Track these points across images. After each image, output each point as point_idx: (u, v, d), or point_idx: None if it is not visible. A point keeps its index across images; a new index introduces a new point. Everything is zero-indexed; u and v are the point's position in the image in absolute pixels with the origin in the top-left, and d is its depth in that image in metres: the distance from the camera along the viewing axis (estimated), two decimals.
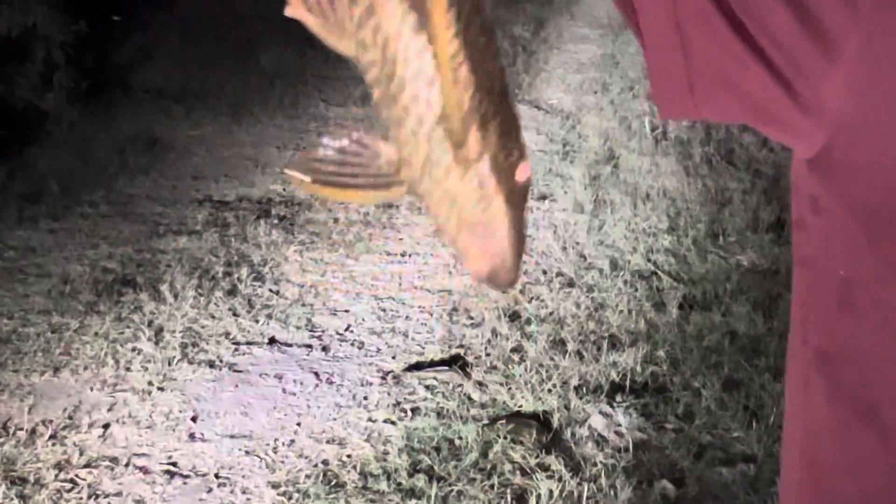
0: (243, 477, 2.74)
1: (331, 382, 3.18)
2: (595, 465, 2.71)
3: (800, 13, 0.73)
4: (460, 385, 3.12)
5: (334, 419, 2.99)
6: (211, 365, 3.28)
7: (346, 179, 0.76)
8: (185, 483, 2.73)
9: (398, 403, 3.04)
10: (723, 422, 2.86)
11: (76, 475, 2.75)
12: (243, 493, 2.68)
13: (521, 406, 2.99)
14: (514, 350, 3.29)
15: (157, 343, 3.38)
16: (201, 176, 4.94)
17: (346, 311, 3.62)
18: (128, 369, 3.25)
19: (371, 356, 3.33)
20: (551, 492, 2.60)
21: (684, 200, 4.28)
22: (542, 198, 4.47)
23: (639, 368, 3.12)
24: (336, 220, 4.34)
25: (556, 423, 2.89)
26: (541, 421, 2.92)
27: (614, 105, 5.54)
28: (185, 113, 5.77)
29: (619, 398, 2.99)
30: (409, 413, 2.99)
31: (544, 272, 3.81)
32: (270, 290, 3.76)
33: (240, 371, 3.25)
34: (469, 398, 3.05)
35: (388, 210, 4.43)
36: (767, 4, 0.74)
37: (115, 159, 5.09)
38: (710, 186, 4.38)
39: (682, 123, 5.16)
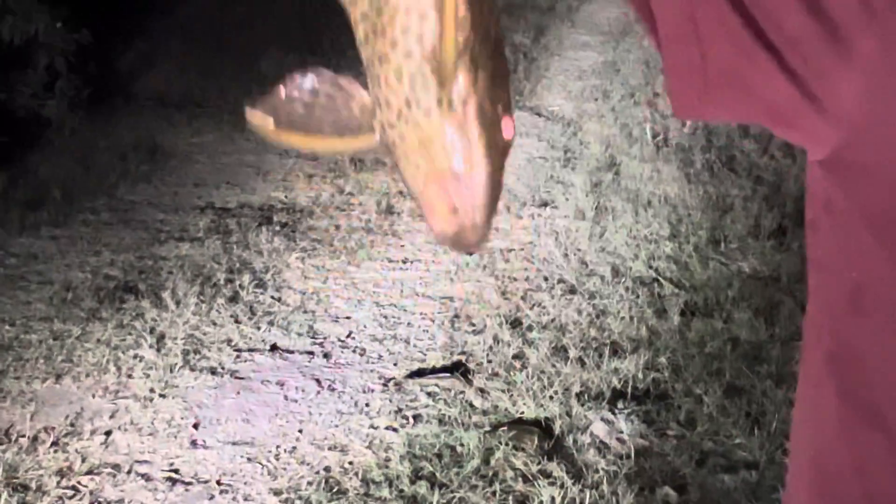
0: (245, 484, 2.74)
1: (332, 389, 3.18)
2: (597, 471, 2.70)
3: (815, 14, 0.73)
4: (462, 392, 3.12)
5: (336, 426, 2.99)
6: (213, 372, 3.28)
7: (313, 124, 0.71)
8: (186, 490, 2.73)
9: (400, 410, 3.04)
10: (725, 428, 2.85)
11: (78, 482, 2.75)
12: (245, 500, 2.68)
13: (522, 413, 2.99)
14: (515, 357, 3.29)
15: (158, 350, 3.38)
16: (203, 183, 4.95)
17: (348, 317, 3.62)
18: (129, 376, 3.25)
19: (373, 363, 3.33)
20: (553, 499, 2.60)
21: (686, 207, 4.28)
22: (544, 204, 4.48)
23: (640, 375, 3.12)
24: (338, 227, 4.34)
25: (557, 430, 2.89)
26: (542, 428, 2.92)
27: (615, 112, 5.54)
28: (186, 120, 5.78)
29: (620, 405, 2.99)
30: (411, 420, 2.99)
31: (546, 279, 3.81)
32: (272, 297, 3.76)
33: (242, 378, 3.25)
34: (471, 405, 3.05)
35: (389, 217, 4.43)
36: (783, 5, 0.74)
37: (117, 166, 5.10)
38: (711, 193, 4.38)
39: (683, 130, 5.16)
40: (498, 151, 0.69)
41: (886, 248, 0.77)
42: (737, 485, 2.65)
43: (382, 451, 2.84)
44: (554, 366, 3.20)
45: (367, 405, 3.08)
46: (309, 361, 3.34)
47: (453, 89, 0.66)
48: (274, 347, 3.42)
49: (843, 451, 0.85)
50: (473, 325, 3.52)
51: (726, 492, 2.64)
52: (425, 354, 3.35)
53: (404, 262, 4.03)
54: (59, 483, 2.74)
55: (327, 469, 2.78)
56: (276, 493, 2.69)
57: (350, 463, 2.80)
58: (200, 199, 4.74)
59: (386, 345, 3.43)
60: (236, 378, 3.25)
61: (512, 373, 3.19)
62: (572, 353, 3.26)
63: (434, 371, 3.27)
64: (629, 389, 3.06)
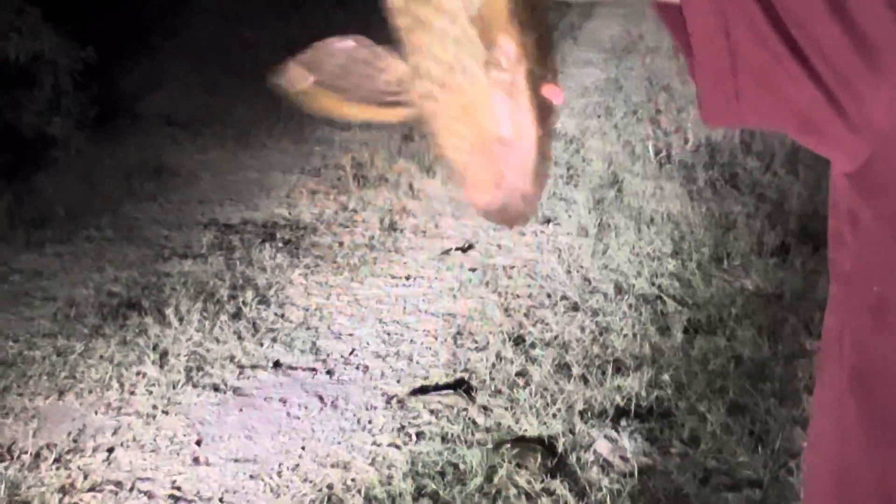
0: (247, 501, 2.73)
1: (335, 406, 3.17)
2: (600, 489, 2.69)
3: (848, 28, 0.73)
4: (465, 409, 3.11)
5: (339, 443, 2.98)
6: (215, 388, 3.28)
7: (349, 88, 0.68)
8: None
9: (403, 427, 3.03)
10: (728, 447, 2.84)
11: (80, 499, 2.74)
12: None
13: (525, 430, 2.98)
14: (518, 374, 3.28)
15: (161, 366, 3.38)
16: (207, 200, 4.96)
17: (351, 334, 3.62)
18: (132, 393, 3.25)
19: (375, 380, 3.32)
20: None
21: (688, 224, 4.28)
22: (547, 221, 4.48)
23: (644, 393, 3.11)
24: (341, 244, 4.35)
25: (560, 448, 2.88)
26: (545, 445, 2.91)
27: (618, 129, 5.56)
28: (191, 139, 5.80)
29: (624, 423, 2.98)
30: (414, 437, 2.98)
31: (549, 296, 3.81)
32: (275, 314, 3.76)
33: (244, 395, 3.25)
34: (474, 422, 3.04)
35: (392, 233, 4.44)
36: (817, 17, 0.74)
37: (122, 184, 5.12)
38: (714, 210, 4.38)
39: (685, 147, 5.17)
40: (546, 117, 0.66)
41: None
42: (740, 503, 2.64)
43: (385, 469, 2.84)
44: (557, 383, 3.19)
45: (369, 422, 3.08)
46: (312, 378, 3.34)
47: (502, 52, 0.63)
48: (277, 364, 3.42)
49: (866, 466, 0.85)
50: (476, 342, 3.52)
51: None
52: (428, 371, 3.35)
53: (407, 278, 4.03)
54: (61, 500, 2.73)
55: (330, 486, 2.77)
56: None
57: (352, 480, 2.80)
58: (204, 216, 4.75)
59: (389, 362, 3.43)
60: (239, 395, 3.25)
61: (515, 390, 3.18)
62: (575, 370, 3.26)
63: (437, 388, 3.26)
64: (632, 407, 3.06)
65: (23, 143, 5.46)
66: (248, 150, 5.60)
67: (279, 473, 2.85)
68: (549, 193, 4.77)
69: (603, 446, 2.89)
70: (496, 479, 2.75)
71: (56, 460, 2.91)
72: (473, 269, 4.05)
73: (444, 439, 2.96)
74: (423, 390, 3.25)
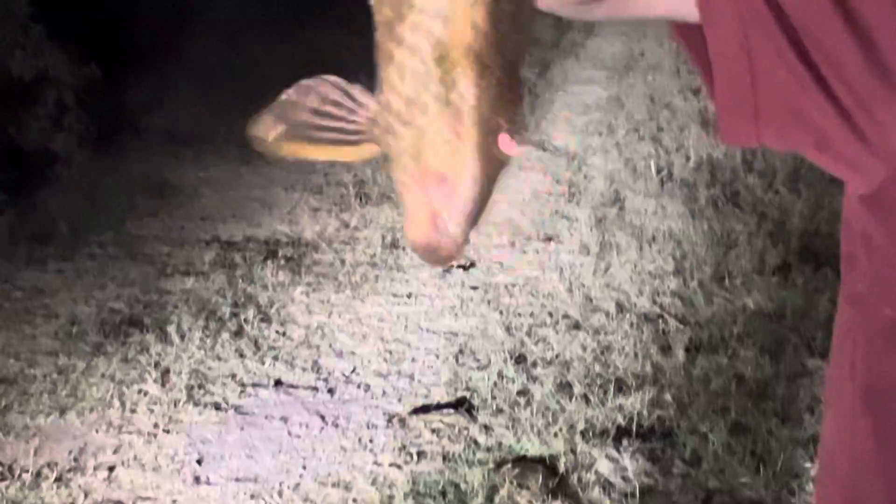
0: None
1: (336, 425, 3.17)
2: None
3: (868, 49, 0.74)
4: (466, 428, 3.11)
5: (339, 463, 2.98)
6: (217, 407, 3.28)
7: (317, 134, 0.69)
8: None
9: (404, 447, 3.03)
10: (730, 467, 2.84)
11: None
12: None
13: (527, 450, 2.98)
14: (520, 393, 3.28)
15: (163, 385, 3.38)
16: (209, 217, 4.97)
17: (353, 352, 3.62)
18: (133, 411, 3.25)
19: (377, 399, 3.32)
20: None
21: (690, 243, 4.28)
22: (548, 239, 4.48)
23: (645, 412, 3.11)
24: (343, 262, 4.35)
25: (562, 468, 2.88)
26: (547, 465, 2.90)
27: (620, 147, 5.57)
28: (194, 155, 5.81)
29: (625, 442, 2.97)
30: (415, 457, 2.98)
31: (550, 314, 3.81)
32: (277, 332, 3.76)
33: (245, 413, 3.25)
34: (475, 442, 3.04)
35: (394, 251, 4.44)
36: (836, 38, 0.74)
37: (125, 201, 5.13)
38: (715, 229, 4.38)
39: (687, 165, 5.18)
40: (491, 163, 0.66)
41: None
42: None
43: (386, 489, 2.83)
44: (559, 402, 3.19)
45: (370, 441, 3.08)
46: (313, 397, 3.34)
47: (454, 87, 0.64)
48: (278, 383, 3.42)
49: (879, 488, 0.85)
50: (478, 360, 3.52)
51: None
52: (429, 390, 3.35)
53: (409, 296, 4.04)
54: None
55: None
56: None
57: (353, 500, 2.79)
58: (206, 234, 4.76)
59: (390, 380, 3.43)
60: (240, 413, 3.25)
61: (516, 409, 3.18)
62: (577, 389, 3.26)
63: (438, 407, 3.26)
64: (634, 427, 3.05)
65: (26, 160, 5.48)
66: (250, 166, 5.61)
67: (280, 493, 2.84)
68: (551, 211, 4.78)
69: (604, 466, 2.88)
70: (497, 500, 2.74)
71: (57, 479, 2.91)
72: (475, 288, 4.05)
73: (445, 459, 2.96)
74: (424, 409, 3.24)
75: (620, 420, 3.09)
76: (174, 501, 2.82)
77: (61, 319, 3.87)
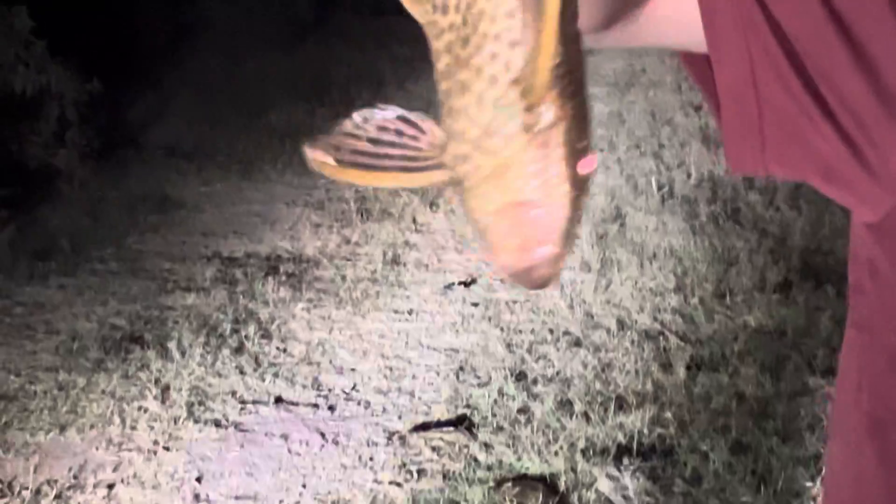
0: None
1: (336, 443, 3.17)
2: None
3: (874, 80, 0.74)
4: (466, 446, 3.10)
5: (339, 480, 2.97)
6: (217, 424, 3.28)
7: (378, 162, 0.70)
8: None
9: (404, 465, 3.03)
10: (731, 486, 2.83)
11: None
12: None
13: (527, 468, 2.97)
14: (520, 410, 3.27)
15: (163, 401, 3.38)
16: (210, 233, 4.97)
17: (353, 369, 3.62)
18: (134, 428, 3.25)
19: (377, 416, 3.32)
20: None
21: (691, 259, 4.28)
22: None
23: (646, 430, 3.11)
24: (344, 278, 4.36)
25: (562, 486, 2.87)
26: (547, 484, 2.90)
27: (621, 163, 5.57)
28: (195, 171, 5.82)
29: (626, 461, 2.97)
30: (415, 474, 2.97)
31: (551, 331, 3.81)
32: (277, 348, 3.76)
33: (245, 430, 3.25)
34: (475, 460, 3.03)
35: (395, 267, 4.44)
36: (841, 67, 0.75)
37: (126, 217, 5.14)
38: (716, 245, 4.39)
39: (688, 182, 5.18)
40: (578, 185, 0.67)
41: None
42: None
43: None
44: (559, 420, 3.19)
45: (370, 459, 3.07)
46: (313, 414, 3.34)
47: (541, 115, 0.65)
48: (278, 399, 3.42)
49: None
50: (479, 377, 3.52)
51: None
52: (430, 407, 3.34)
53: (410, 313, 4.04)
54: None
55: None
56: None
57: None
58: (208, 249, 4.77)
59: (391, 397, 3.42)
60: (240, 430, 3.25)
61: (517, 427, 3.18)
62: (577, 407, 3.25)
63: (439, 424, 3.26)
64: (634, 445, 3.05)
65: (27, 175, 5.49)
66: (252, 182, 5.62)
67: None
68: None
69: (605, 485, 2.87)
70: None
71: (57, 496, 2.90)
72: (476, 304, 4.06)
73: (445, 477, 2.95)
74: (424, 427, 3.24)
75: (621, 438, 3.08)
76: None
77: (62, 335, 3.87)
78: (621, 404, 3.27)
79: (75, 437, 3.21)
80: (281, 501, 2.88)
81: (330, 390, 3.48)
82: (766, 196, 4.86)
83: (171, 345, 3.70)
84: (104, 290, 4.32)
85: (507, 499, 2.80)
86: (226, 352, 3.69)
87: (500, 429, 3.18)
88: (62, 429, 3.24)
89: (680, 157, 5.53)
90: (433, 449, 3.10)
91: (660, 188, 5.10)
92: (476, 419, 3.25)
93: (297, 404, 3.39)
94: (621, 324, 3.81)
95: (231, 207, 5.31)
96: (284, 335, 3.86)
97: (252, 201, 5.36)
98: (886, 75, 0.74)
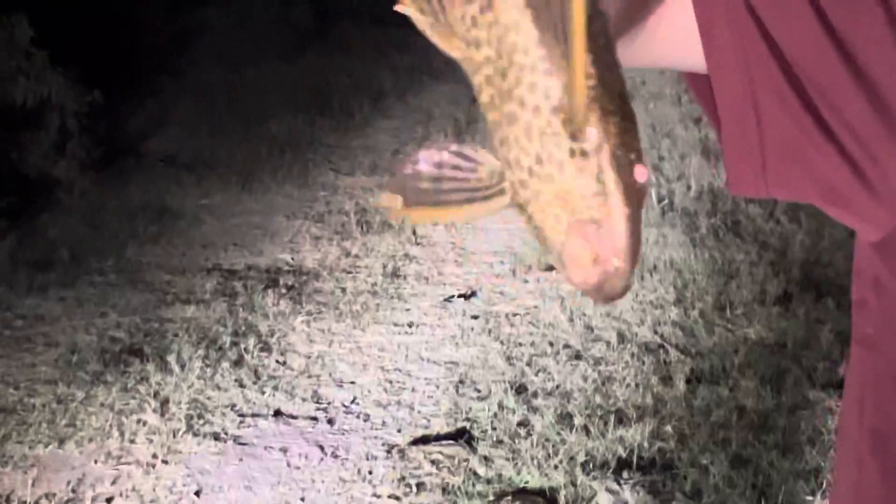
0: None
1: (336, 456, 3.16)
2: None
3: (874, 100, 0.74)
4: (466, 460, 3.10)
5: (338, 494, 2.96)
6: (216, 437, 3.27)
7: (443, 197, 0.73)
8: None
9: (403, 478, 3.02)
10: (731, 500, 2.82)
11: None
12: None
13: (527, 482, 2.96)
14: (520, 424, 3.27)
15: (162, 414, 3.37)
16: (210, 244, 4.97)
17: (353, 382, 3.61)
18: (132, 441, 3.24)
19: (377, 429, 3.31)
20: None
21: (691, 272, 4.28)
22: (549, 268, 4.48)
23: (646, 444, 3.10)
24: (343, 290, 4.35)
25: (562, 500, 2.86)
26: (547, 498, 2.89)
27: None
28: (195, 181, 5.82)
29: (626, 475, 2.96)
30: (414, 488, 2.97)
31: (551, 344, 3.80)
32: (277, 361, 3.76)
33: (244, 444, 3.24)
34: (475, 473, 3.02)
35: (395, 280, 4.44)
36: (841, 86, 0.75)
37: (126, 227, 5.14)
38: (716, 258, 4.38)
39: (688, 194, 5.18)
40: (634, 196, 0.70)
41: None
42: None
43: None
44: (559, 434, 3.18)
45: (370, 473, 3.06)
46: (312, 427, 3.33)
47: (585, 139, 0.67)
48: (278, 413, 3.41)
49: None
50: (478, 390, 3.51)
51: None
52: (429, 421, 3.34)
53: (410, 325, 4.03)
54: None
55: None
56: None
57: None
58: (207, 261, 4.76)
59: (390, 410, 3.42)
60: (239, 444, 3.24)
61: (516, 440, 3.17)
62: (577, 420, 3.24)
63: (438, 438, 3.25)
64: (634, 459, 3.04)
65: (27, 186, 5.49)
66: (252, 194, 5.62)
67: None
68: None
69: (605, 499, 2.87)
70: None
71: None
72: (476, 317, 4.05)
73: (444, 491, 2.94)
74: (424, 440, 3.23)
75: (621, 452, 3.08)
76: None
77: (61, 348, 3.87)
78: (621, 418, 3.26)
79: (74, 450, 3.20)
80: None
81: (329, 403, 3.47)
82: (766, 209, 4.86)
83: (171, 358, 3.70)
84: (104, 302, 4.32)
85: None
86: (225, 365, 3.69)
87: (499, 442, 3.17)
88: (61, 442, 3.24)
89: (680, 170, 5.53)
90: (432, 462, 3.09)
91: (660, 201, 5.10)
92: (476, 432, 3.24)
93: (296, 417, 3.39)
94: (621, 337, 3.81)
95: (231, 219, 5.31)
96: (284, 348, 3.86)
97: (252, 213, 5.36)
98: (887, 95, 0.74)
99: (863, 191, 0.77)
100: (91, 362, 3.72)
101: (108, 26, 6.98)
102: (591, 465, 3.02)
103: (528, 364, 3.65)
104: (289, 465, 3.12)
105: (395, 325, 4.04)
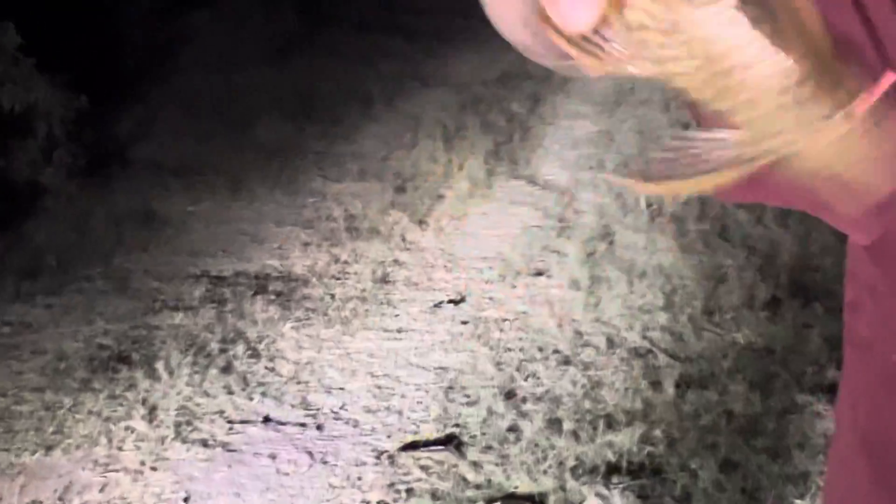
0: None
1: (325, 462, 3.15)
2: None
3: None
4: (455, 465, 3.09)
5: (328, 500, 2.96)
6: (204, 444, 3.26)
7: (684, 170, 0.70)
8: None
9: (392, 484, 3.01)
10: None
11: None
12: None
13: (516, 487, 2.96)
14: (509, 429, 3.27)
15: (150, 421, 3.36)
16: (198, 251, 4.95)
17: (342, 388, 3.61)
18: (120, 448, 3.23)
19: (366, 435, 3.30)
20: None
21: (680, 277, 4.29)
22: (538, 274, 4.49)
23: (635, 449, 3.10)
24: (333, 296, 4.35)
25: None
26: (536, 502, 2.89)
27: (610, 181, 5.59)
28: (183, 188, 5.80)
29: (615, 479, 2.96)
30: (404, 494, 2.96)
31: (540, 349, 3.80)
32: (266, 367, 3.75)
33: (233, 450, 3.23)
34: (464, 479, 3.02)
35: (385, 286, 4.43)
36: None
37: (113, 234, 5.12)
38: (705, 263, 4.40)
39: (676, 200, 5.19)
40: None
41: None
42: None
43: None
44: (548, 439, 3.18)
45: (359, 479, 3.06)
46: (301, 433, 3.32)
47: (843, 91, 0.65)
48: (266, 419, 3.40)
49: None
50: (468, 396, 3.51)
51: None
52: (419, 426, 3.33)
53: (399, 331, 4.03)
54: None
55: None
56: None
57: None
58: (196, 268, 4.75)
59: (379, 416, 3.41)
60: (228, 450, 3.23)
61: (506, 446, 3.17)
62: (567, 425, 3.25)
63: (427, 444, 3.24)
64: (624, 463, 3.04)
65: (14, 193, 5.47)
66: (240, 200, 5.61)
67: None
68: (542, 246, 4.78)
69: None
70: None
71: None
72: (465, 322, 4.05)
73: (434, 496, 2.94)
74: (413, 446, 3.23)
75: (610, 456, 3.08)
76: None
77: (48, 355, 3.85)
78: (610, 422, 3.26)
79: (61, 457, 3.18)
80: None
81: (318, 409, 3.47)
82: (755, 214, 4.87)
83: (159, 364, 3.68)
84: (91, 309, 4.30)
85: None
86: (214, 371, 3.67)
87: (489, 448, 3.17)
88: (48, 449, 3.22)
89: None
90: (422, 468, 3.09)
91: (648, 206, 5.11)
92: (465, 438, 3.24)
93: (285, 424, 3.38)
94: (610, 342, 3.81)
95: (219, 225, 5.29)
96: (273, 354, 3.85)
97: (240, 219, 5.34)
98: None
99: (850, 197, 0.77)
100: (79, 369, 3.70)
101: (94, 32, 6.97)
102: (580, 470, 3.02)
103: (518, 369, 3.65)
104: (278, 471, 3.11)
105: (385, 330, 4.03)
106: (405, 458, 3.15)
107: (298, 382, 3.64)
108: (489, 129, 6.34)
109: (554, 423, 3.28)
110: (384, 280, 4.48)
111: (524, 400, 3.44)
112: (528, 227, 5.01)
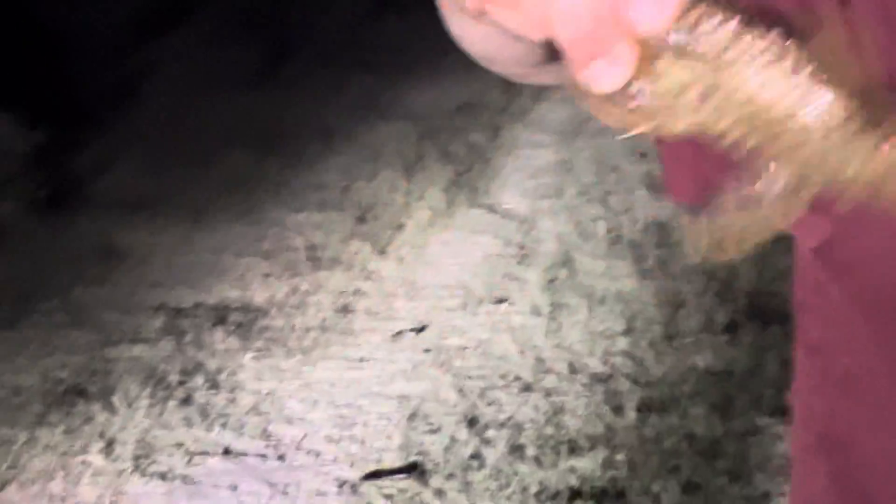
0: None
1: (286, 493, 3.12)
2: None
3: None
4: (419, 493, 3.08)
5: None
6: (163, 477, 3.21)
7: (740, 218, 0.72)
8: None
9: None
10: None
11: None
12: None
13: None
14: (472, 456, 3.26)
15: (108, 455, 3.31)
16: (158, 284, 4.91)
17: (303, 418, 3.58)
18: (77, 483, 3.18)
19: (328, 465, 3.28)
20: None
21: (640, 302, 4.32)
22: (500, 301, 4.50)
23: (598, 473, 3.11)
24: (293, 327, 4.32)
25: None
26: None
27: (569, 209, 5.62)
28: (143, 221, 5.76)
29: None
30: None
31: (502, 376, 3.80)
32: (226, 399, 3.71)
33: (193, 483, 3.19)
34: None
35: (345, 315, 4.42)
36: None
37: (72, 268, 5.06)
38: (664, 288, 4.43)
39: (635, 227, 5.24)
40: None
41: (877, 336, 0.79)
42: None
43: None
44: (511, 465, 3.17)
45: None
46: (262, 464, 3.29)
47: (889, 124, 0.65)
48: (227, 451, 3.37)
49: None
50: (430, 423, 3.49)
51: None
52: (381, 455, 3.31)
53: (360, 360, 4.01)
54: None
55: None
56: None
57: None
58: (155, 300, 4.70)
59: (341, 446, 3.39)
60: (188, 483, 3.19)
61: (469, 472, 3.16)
62: (529, 451, 3.24)
63: (390, 472, 3.23)
64: (587, 488, 3.04)
65: None
66: (200, 232, 5.57)
67: None
68: (502, 273, 4.80)
69: None
70: None
71: None
72: (427, 351, 4.04)
73: None
74: (376, 475, 3.21)
75: (573, 481, 3.08)
76: None
77: (3, 389, 3.79)
78: (573, 448, 3.27)
79: (15, 493, 3.13)
80: None
81: (279, 440, 3.43)
82: None
83: (117, 397, 3.64)
84: (48, 342, 4.24)
85: None
86: (172, 403, 3.63)
87: (452, 475, 3.16)
88: (3, 485, 3.16)
89: (627, 203, 5.59)
90: (385, 497, 3.07)
91: (608, 233, 5.15)
92: (428, 466, 3.23)
93: (245, 455, 3.34)
94: (572, 368, 3.82)
95: (179, 258, 5.25)
96: (233, 386, 3.81)
97: (200, 251, 5.31)
98: None
99: None
100: (34, 403, 3.65)
101: (53, 66, 6.93)
102: (543, 496, 3.02)
103: (480, 396, 3.65)
104: (239, 502, 3.08)
105: (346, 360, 4.02)
106: (368, 487, 3.13)
107: (259, 413, 3.61)
108: (449, 159, 6.37)
109: (517, 450, 3.28)
110: (345, 310, 4.47)
111: (487, 427, 3.44)
112: (488, 256, 5.02)
